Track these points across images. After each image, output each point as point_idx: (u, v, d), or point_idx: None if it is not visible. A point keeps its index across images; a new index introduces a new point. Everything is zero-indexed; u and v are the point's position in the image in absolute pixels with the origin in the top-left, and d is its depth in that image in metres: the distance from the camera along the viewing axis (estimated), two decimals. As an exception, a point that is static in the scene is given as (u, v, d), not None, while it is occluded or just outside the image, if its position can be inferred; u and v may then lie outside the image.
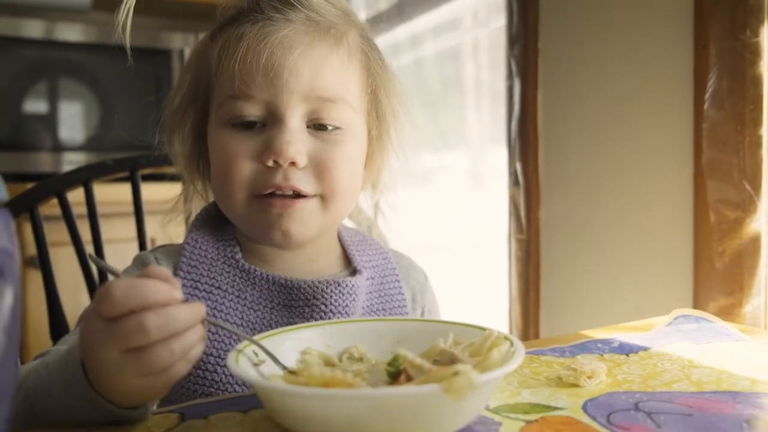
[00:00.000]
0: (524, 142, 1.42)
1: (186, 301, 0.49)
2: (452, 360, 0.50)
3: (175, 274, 0.73)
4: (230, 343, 0.70)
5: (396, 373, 0.51)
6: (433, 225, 2.03)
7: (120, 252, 1.22)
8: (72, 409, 0.51)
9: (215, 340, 0.70)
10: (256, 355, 0.54)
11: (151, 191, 1.22)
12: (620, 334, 0.78)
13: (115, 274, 0.51)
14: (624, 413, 0.52)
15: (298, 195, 0.70)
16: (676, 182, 1.15)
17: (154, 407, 0.57)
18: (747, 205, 0.96)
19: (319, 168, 0.70)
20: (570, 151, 1.39)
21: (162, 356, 0.47)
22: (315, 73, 0.69)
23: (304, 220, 0.71)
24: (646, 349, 0.71)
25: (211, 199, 0.82)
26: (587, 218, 1.37)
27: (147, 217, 1.14)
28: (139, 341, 0.46)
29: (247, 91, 0.69)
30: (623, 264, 1.30)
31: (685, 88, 1.13)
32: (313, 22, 0.71)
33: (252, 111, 0.69)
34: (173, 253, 0.77)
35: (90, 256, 0.51)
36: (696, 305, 1.04)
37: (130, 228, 1.16)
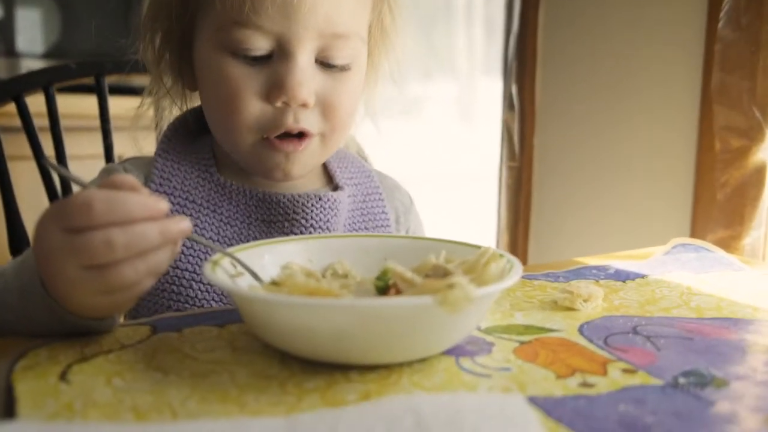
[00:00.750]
0: (522, 64, 1.38)
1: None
2: (445, 274, 0.49)
3: (146, 186, 0.71)
4: (205, 258, 0.69)
5: (384, 288, 0.50)
6: (420, 156, 2.00)
7: (86, 169, 1.18)
8: (31, 319, 0.50)
9: (190, 255, 0.69)
10: (234, 267, 0.52)
11: (119, 105, 1.17)
12: (616, 261, 0.77)
13: (79, 183, 0.48)
14: (622, 336, 0.52)
15: (302, 134, 0.68)
16: (682, 107, 1.13)
17: (121, 320, 0.55)
18: (755, 133, 0.94)
19: (325, 106, 0.68)
20: (569, 73, 1.35)
21: (126, 275, 0.44)
22: (334, 7, 0.66)
23: (305, 161, 0.70)
24: (643, 276, 0.71)
25: (187, 109, 0.79)
26: (584, 145, 1.35)
27: (115, 133, 1.10)
28: (102, 258, 0.43)
29: (257, 20, 0.64)
30: (619, 194, 1.29)
31: (699, 8, 1.09)
32: None
33: (260, 44, 0.65)
34: (144, 165, 0.74)
35: (46, 160, 0.46)
36: (693, 237, 1.04)
37: (96, 143, 1.11)
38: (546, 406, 0.40)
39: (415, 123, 2.06)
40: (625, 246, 1.25)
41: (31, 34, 2.02)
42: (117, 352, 0.48)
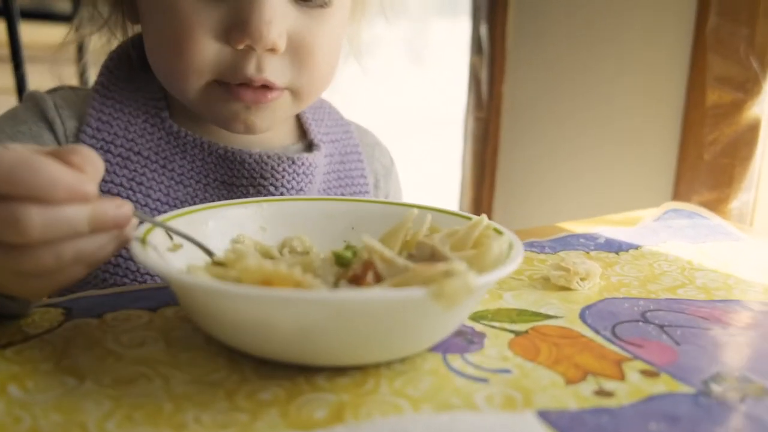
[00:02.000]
0: (492, 1, 1.28)
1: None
2: (433, 255, 0.41)
3: (81, 131, 0.60)
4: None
5: (345, 263, 0.41)
6: (376, 101, 1.90)
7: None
8: None
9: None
10: (170, 237, 0.43)
11: (33, 33, 1.04)
12: (603, 228, 0.71)
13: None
14: (631, 325, 0.45)
15: (265, 86, 0.57)
16: (671, 55, 1.05)
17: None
18: (751, 86, 0.88)
19: (298, 53, 0.57)
20: (545, 13, 1.26)
21: (44, 260, 0.35)
22: None
23: (273, 114, 0.59)
24: (637, 247, 0.65)
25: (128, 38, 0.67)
26: (558, 94, 1.27)
27: (29, 65, 0.97)
28: (11, 237, 0.34)
29: None
30: (595, 149, 1.23)
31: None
32: None
33: None
34: (78, 102, 0.62)
35: None
36: (677, 198, 0.99)
37: (4, 76, 0.99)
38: (561, 424, 0.33)
39: (368, 66, 1.95)
40: (602, 208, 1.20)
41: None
42: (17, 346, 0.39)
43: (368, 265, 0.40)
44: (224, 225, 0.48)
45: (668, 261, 0.61)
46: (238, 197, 0.62)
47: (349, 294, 0.33)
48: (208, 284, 0.33)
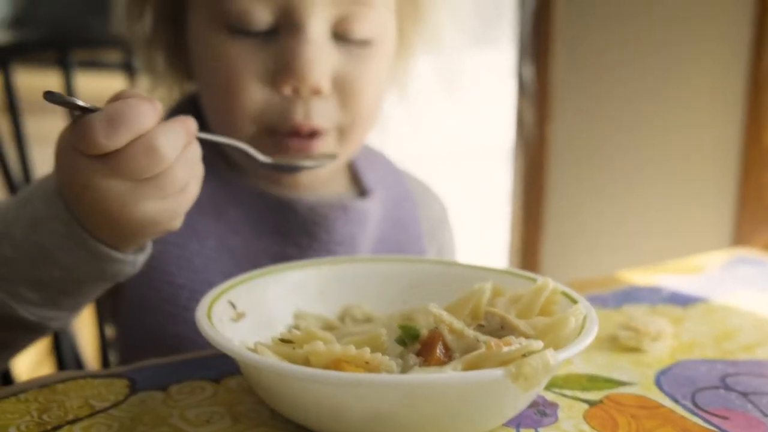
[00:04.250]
0: (537, 41, 1.28)
1: None
2: (502, 325, 0.40)
3: None
4: (206, 273, 0.60)
5: (413, 336, 0.40)
6: (415, 137, 1.91)
7: (50, 153, 1.08)
8: (43, 250, 0.45)
9: (188, 269, 0.60)
10: (233, 307, 0.43)
11: (86, 81, 1.06)
12: (666, 277, 0.69)
13: (90, 109, 0.40)
14: (712, 393, 0.43)
15: (314, 132, 0.58)
16: (724, 92, 1.03)
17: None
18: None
19: (344, 94, 0.58)
20: (592, 52, 1.24)
21: (180, 173, 0.42)
22: None
23: (319, 171, 0.60)
24: (704, 299, 0.63)
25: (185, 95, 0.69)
26: (608, 134, 1.25)
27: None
28: (155, 168, 0.40)
29: None
30: (648, 189, 1.20)
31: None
32: None
33: (261, 14, 0.55)
34: None
35: (48, 93, 0.39)
36: (738, 242, 0.96)
37: (61, 124, 1.01)
38: None
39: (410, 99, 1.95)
40: (658, 250, 1.17)
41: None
42: (85, 421, 0.39)
43: (437, 336, 0.39)
44: (284, 290, 0.47)
45: (740, 315, 0.59)
46: (291, 245, 0.62)
47: (424, 378, 0.32)
48: (279, 366, 0.32)
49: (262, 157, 0.50)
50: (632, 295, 0.63)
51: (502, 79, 1.51)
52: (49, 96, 0.39)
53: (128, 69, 0.98)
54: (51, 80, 1.05)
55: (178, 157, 0.41)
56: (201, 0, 0.58)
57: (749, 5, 1.01)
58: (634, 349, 0.50)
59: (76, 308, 0.51)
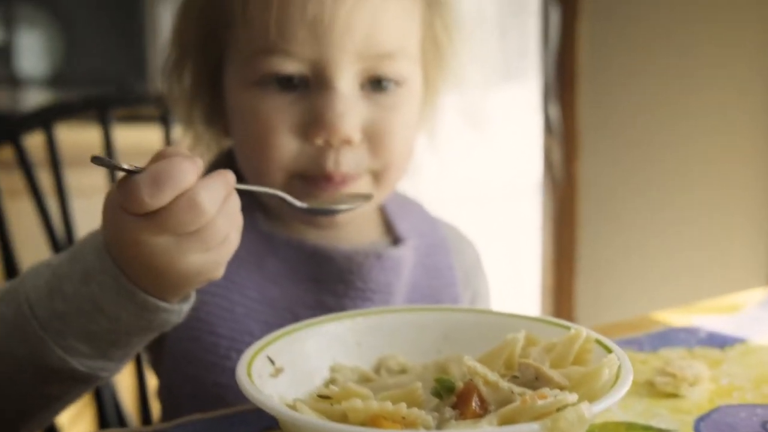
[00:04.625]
0: (562, 82, 1.30)
1: None
2: (537, 376, 0.40)
3: None
4: (246, 323, 0.62)
5: (449, 389, 0.41)
6: (442, 175, 1.92)
7: (90, 205, 1.12)
8: (94, 302, 0.47)
9: (229, 319, 0.62)
10: (272, 362, 0.44)
11: (124, 135, 1.10)
12: (702, 317, 0.68)
13: (134, 171, 0.43)
14: (753, 440, 0.43)
15: (346, 178, 0.60)
16: (751, 128, 1.03)
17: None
18: None
19: (374, 141, 0.60)
20: (617, 92, 1.26)
21: (221, 226, 0.45)
22: (373, 24, 0.58)
23: (355, 213, 0.61)
24: (743, 340, 0.62)
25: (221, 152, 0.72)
26: (636, 173, 1.25)
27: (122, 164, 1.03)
28: (198, 222, 0.43)
29: (286, 46, 0.57)
30: (680, 228, 1.19)
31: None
32: None
33: (291, 68, 0.58)
34: None
35: (95, 158, 0.42)
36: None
37: (100, 177, 1.05)
38: None
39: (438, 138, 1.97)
40: (692, 288, 1.16)
41: (34, 58, 1.98)
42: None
43: (472, 388, 0.39)
44: (321, 343, 0.48)
45: (780, 356, 0.58)
46: (328, 294, 0.63)
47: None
48: (318, 424, 0.33)
49: (298, 203, 0.52)
50: (669, 338, 0.63)
51: (530, 114, 1.52)
52: (96, 160, 0.42)
53: (165, 122, 1.02)
54: (90, 134, 1.09)
55: (219, 210, 0.44)
56: (237, 60, 0.61)
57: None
58: (672, 395, 0.50)
59: (124, 359, 0.53)
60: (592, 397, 0.36)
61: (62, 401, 0.54)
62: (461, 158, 1.91)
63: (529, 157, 1.53)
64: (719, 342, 0.62)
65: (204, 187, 0.43)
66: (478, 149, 1.87)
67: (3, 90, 1.89)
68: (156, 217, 0.42)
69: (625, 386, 0.37)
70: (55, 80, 1.94)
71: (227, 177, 0.45)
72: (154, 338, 0.53)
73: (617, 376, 0.39)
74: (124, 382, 1.26)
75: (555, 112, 1.34)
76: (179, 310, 0.50)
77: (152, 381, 0.73)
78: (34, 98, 1.92)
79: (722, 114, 1.15)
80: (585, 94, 1.32)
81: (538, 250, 1.47)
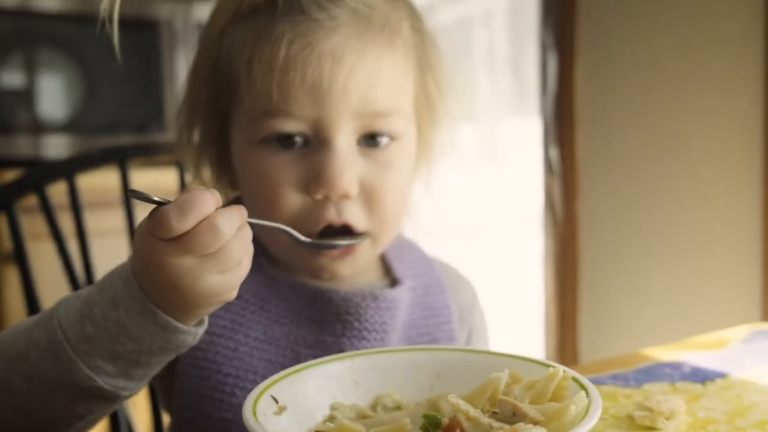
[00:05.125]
0: (560, 124, 1.35)
1: None
2: (514, 412, 0.44)
3: None
4: (250, 361, 0.66)
5: (436, 424, 0.45)
6: (451, 207, 1.96)
7: (108, 245, 1.17)
8: (120, 325, 0.53)
9: (234, 358, 0.66)
10: (276, 401, 0.48)
11: (140, 177, 1.16)
12: (689, 354, 0.72)
13: (164, 202, 0.50)
14: (719, 470, 0.46)
15: (348, 230, 0.65)
16: (743, 171, 1.08)
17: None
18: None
19: (370, 197, 0.65)
20: (614, 134, 1.31)
21: (236, 249, 0.51)
22: (368, 86, 0.63)
23: (355, 262, 0.67)
24: (723, 376, 0.65)
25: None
26: (634, 212, 1.29)
27: (138, 206, 1.09)
28: (217, 243, 0.49)
29: (287, 108, 0.62)
30: (677, 265, 1.23)
31: (754, 62, 1.05)
32: (363, 19, 0.64)
33: (293, 127, 0.63)
34: None
35: (131, 191, 0.50)
36: (766, 315, 0.98)
37: (118, 219, 1.11)
38: None
39: (441, 170, 2.02)
40: (689, 323, 1.19)
41: (54, 104, 2.05)
42: None
43: (455, 424, 0.43)
44: (321, 382, 0.52)
45: (757, 391, 0.61)
46: (327, 333, 0.68)
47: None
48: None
49: (302, 238, 0.58)
50: (653, 373, 0.67)
51: (535, 150, 1.57)
52: (132, 193, 0.50)
53: (180, 166, 1.08)
54: (109, 178, 1.15)
55: (235, 235, 0.51)
56: (242, 120, 0.66)
57: (759, 88, 1.07)
58: (650, 428, 0.53)
59: (143, 378, 0.58)
60: (560, 431, 0.40)
61: (86, 420, 0.59)
62: (470, 190, 1.96)
63: (532, 193, 1.58)
64: (701, 377, 0.65)
65: (222, 214, 0.50)
66: (486, 182, 1.92)
67: (25, 136, 1.96)
68: (181, 241, 0.49)
69: (591, 421, 0.40)
70: (74, 126, 2.01)
71: (242, 210, 0.52)
72: (167, 377, 0.58)
73: (587, 411, 0.42)
74: (141, 419, 1.30)
75: (554, 152, 1.39)
76: (195, 333, 0.55)
77: (166, 419, 0.77)
78: (54, 143, 1.98)
79: (713, 155, 1.19)
80: (583, 135, 1.37)
81: (541, 285, 1.50)
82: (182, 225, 0.48)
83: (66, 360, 0.54)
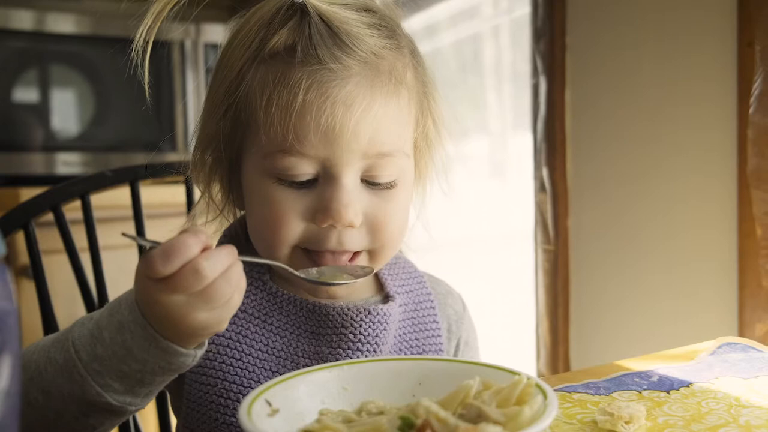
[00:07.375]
0: (551, 145, 1.41)
1: None
2: (479, 415, 0.50)
3: None
4: (254, 370, 0.72)
5: (410, 425, 0.50)
6: (450, 221, 2.01)
7: (118, 259, 1.23)
8: (126, 348, 0.59)
9: (239, 367, 0.72)
10: (269, 404, 0.54)
11: (150, 194, 1.22)
12: (660, 364, 0.77)
13: (152, 245, 0.57)
14: (667, 468, 0.52)
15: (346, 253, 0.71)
16: (719, 192, 1.14)
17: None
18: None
19: (372, 225, 0.71)
20: (601, 156, 1.38)
21: (222, 288, 0.56)
22: (376, 129, 0.68)
23: (353, 285, 0.73)
24: (688, 384, 0.70)
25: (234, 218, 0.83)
26: (621, 229, 1.35)
27: (147, 221, 1.15)
28: (200, 284, 0.55)
29: (301, 148, 0.67)
30: (661, 280, 1.29)
31: (728, 90, 1.11)
32: (373, 68, 0.69)
33: (305, 170, 0.68)
34: None
35: (124, 234, 0.58)
36: (742, 327, 1.03)
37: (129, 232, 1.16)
38: None
39: (444, 185, 2.07)
40: (670, 333, 1.24)
41: (67, 120, 2.11)
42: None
43: (426, 424, 0.49)
44: (313, 388, 0.58)
45: (717, 399, 0.66)
46: (325, 345, 0.73)
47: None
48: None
49: (299, 274, 0.63)
50: (623, 382, 0.72)
51: (528, 168, 1.62)
52: (125, 235, 0.57)
53: (188, 181, 1.14)
54: (120, 194, 1.21)
55: (222, 275, 0.56)
56: (256, 153, 0.71)
57: (733, 119, 1.13)
58: (611, 432, 0.59)
59: (149, 395, 0.64)
60: (516, 429, 0.46)
61: (99, 430, 0.65)
62: (469, 206, 2.01)
63: (526, 210, 1.63)
64: (667, 386, 0.70)
65: (206, 257, 0.55)
66: (485, 197, 1.97)
67: (38, 154, 2.02)
68: (168, 281, 0.55)
69: (545, 422, 0.46)
70: (87, 143, 2.07)
71: (230, 250, 0.57)
72: (175, 385, 0.64)
73: (544, 412, 0.48)
74: (150, 423, 1.35)
75: (545, 172, 1.45)
76: (194, 355, 0.61)
77: (175, 422, 0.83)
78: (66, 160, 2.04)
79: (690, 178, 1.25)
80: (572, 157, 1.43)
81: (533, 300, 1.56)
82: (167, 269, 0.54)
83: (78, 377, 0.60)
